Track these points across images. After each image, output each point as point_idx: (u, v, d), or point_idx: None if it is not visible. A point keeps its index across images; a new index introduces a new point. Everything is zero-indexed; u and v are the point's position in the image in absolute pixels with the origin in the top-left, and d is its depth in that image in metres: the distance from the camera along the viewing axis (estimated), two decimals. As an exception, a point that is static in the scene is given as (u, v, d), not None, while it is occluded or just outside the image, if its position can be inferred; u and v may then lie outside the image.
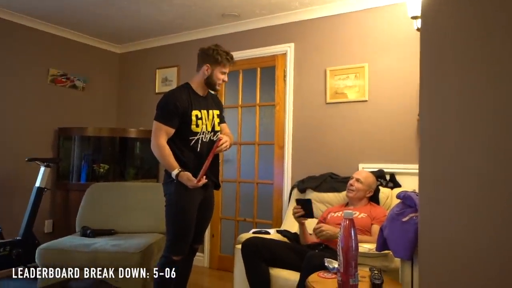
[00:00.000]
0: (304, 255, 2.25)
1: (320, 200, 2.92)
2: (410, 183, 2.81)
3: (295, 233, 2.71)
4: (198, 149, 2.29)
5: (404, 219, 1.60)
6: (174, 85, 4.12)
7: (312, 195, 2.95)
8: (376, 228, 2.43)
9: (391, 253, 1.84)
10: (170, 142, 2.26)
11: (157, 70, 4.27)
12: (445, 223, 1.38)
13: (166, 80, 4.22)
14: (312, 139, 3.27)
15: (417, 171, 2.85)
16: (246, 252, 2.27)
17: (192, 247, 2.42)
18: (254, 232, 2.63)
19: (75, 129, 3.93)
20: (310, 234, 2.63)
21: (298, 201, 2.51)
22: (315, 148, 3.25)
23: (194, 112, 2.27)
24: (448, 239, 1.38)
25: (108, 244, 2.72)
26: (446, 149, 1.40)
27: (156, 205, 3.27)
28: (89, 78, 4.28)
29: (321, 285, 1.68)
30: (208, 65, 2.29)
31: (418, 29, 2.22)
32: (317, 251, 2.28)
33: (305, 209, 2.45)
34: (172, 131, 2.24)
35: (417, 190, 2.70)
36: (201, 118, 2.30)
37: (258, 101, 3.63)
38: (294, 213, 2.51)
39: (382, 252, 1.85)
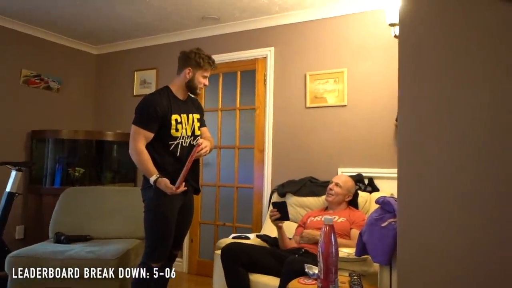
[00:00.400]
0: (284, 260, 2.25)
1: (300, 204, 2.93)
2: (388, 187, 2.85)
3: (275, 238, 2.70)
4: (178, 154, 2.25)
5: (383, 224, 1.61)
6: (153, 88, 4.06)
7: (292, 199, 2.96)
8: (355, 233, 2.45)
9: (370, 257, 1.86)
10: (149, 146, 2.22)
11: (135, 72, 4.20)
12: (423, 229, 1.40)
13: (144, 83, 4.15)
14: (292, 143, 3.28)
15: (395, 175, 2.89)
16: (225, 257, 2.25)
17: (171, 253, 2.37)
18: (233, 237, 2.61)
19: (49, 131, 3.81)
20: (290, 238, 2.64)
21: (274, 204, 2.51)
22: (295, 152, 3.26)
23: (174, 116, 2.24)
24: (426, 244, 1.40)
25: (83, 251, 2.64)
26: (424, 155, 1.42)
27: (134, 210, 3.20)
28: (64, 80, 4.17)
29: (301, 291, 1.67)
30: (189, 68, 2.26)
31: (396, 36, 2.26)
32: (297, 256, 2.28)
33: (281, 212, 2.46)
34: (151, 135, 2.19)
35: (395, 195, 2.75)
36: (180, 123, 2.26)
37: (238, 105, 3.62)
38: (270, 216, 2.51)
39: (361, 256, 1.86)
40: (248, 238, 2.62)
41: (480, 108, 1.34)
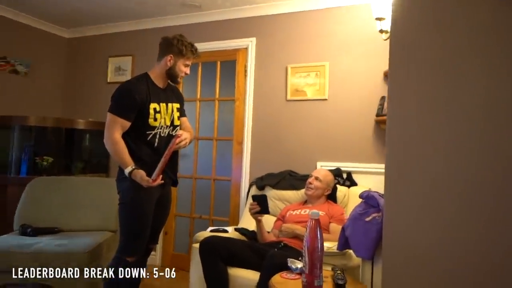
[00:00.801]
0: (263, 254, 2.22)
1: (279, 197, 2.90)
2: (366, 182, 2.88)
3: (253, 231, 2.67)
4: (156, 144, 2.17)
5: (367, 219, 1.61)
6: (128, 75, 3.92)
7: (271, 192, 2.93)
8: (334, 227, 2.46)
9: (350, 251, 1.86)
10: (126, 136, 2.12)
11: (109, 59, 4.03)
12: (409, 226, 1.39)
13: (119, 70, 3.99)
14: (272, 136, 3.24)
15: (374, 170, 2.92)
16: (203, 251, 2.19)
17: (147, 247, 2.29)
18: (211, 231, 2.55)
19: (15, 117, 3.60)
20: (268, 232, 2.61)
21: (254, 198, 2.48)
22: (274, 145, 3.22)
23: (152, 105, 2.14)
24: (412, 242, 1.39)
25: (52, 244, 2.51)
26: (412, 153, 1.41)
27: (105, 201, 3.09)
28: (33, 64, 3.94)
29: (285, 286, 1.64)
30: (171, 55, 2.17)
31: (381, 31, 2.26)
32: (276, 249, 2.26)
33: (261, 205, 2.43)
34: (127, 124, 2.10)
35: (373, 189, 2.77)
36: (159, 112, 2.17)
37: (217, 96, 3.54)
38: (250, 210, 2.47)
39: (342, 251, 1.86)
40: (226, 231, 2.57)
41: (471, 107, 1.34)
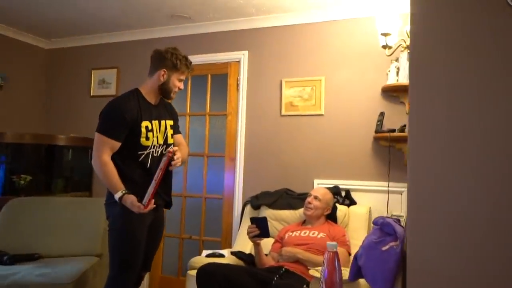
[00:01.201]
0: (264, 281, 2.09)
1: (276, 217, 2.77)
2: (366, 200, 2.79)
3: (250, 254, 2.53)
4: (148, 165, 2.02)
5: (384, 248, 1.50)
6: (113, 88, 3.74)
7: (267, 212, 2.80)
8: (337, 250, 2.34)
9: (361, 280, 1.75)
10: (116, 156, 1.97)
11: (93, 71, 3.84)
12: (434, 256, 1.30)
13: (103, 83, 3.81)
14: (266, 152, 3.12)
15: (373, 188, 2.81)
16: (201, 279, 2.04)
17: (138, 274, 2.12)
18: (207, 255, 2.40)
19: (-10, 133, 3.36)
20: (266, 254, 2.48)
21: (253, 220, 2.34)
22: (269, 162, 3.11)
23: (144, 123, 2.00)
24: (439, 274, 1.29)
25: (32, 274, 2.30)
26: (437, 176, 1.32)
27: (88, 224, 2.89)
28: (8, 76, 3.71)
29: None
30: (164, 70, 2.04)
31: (384, 46, 2.19)
32: (278, 276, 2.13)
33: (260, 228, 2.30)
34: (117, 145, 1.95)
35: (373, 208, 2.67)
36: (151, 130, 2.03)
37: (208, 110, 3.40)
38: (248, 233, 2.34)
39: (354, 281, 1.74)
40: (222, 256, 2.42)
41: (498, 131, 1.27)
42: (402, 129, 2.58)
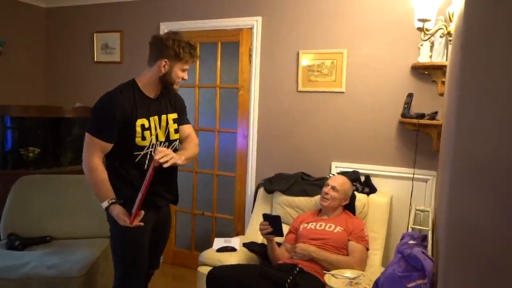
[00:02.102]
0: (277, 282, 2.01)
1: (290, 204, 2.64)
2: (386, 187, 2.62)
3: (263, 244, 2.45)
4: (146, 166, 1.83)
5: (410, 285, 1.35)
6: (117, 55, 3.49)
7: (281, 198, 2.66)
8: (354, 246, 2.23)
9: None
10: (112, 157, 1.81)
11: (95, 34, 3.57)
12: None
13: (106, 48, 3.55)
14: (281, 130, 2.92)
15: (395, 174, 2.58)
16: (212, 285, 1.97)
17: (147, 272, 2.07)
18: (218, 250, 2.32)
19: (-6, 107, 3.23)
20: (279, 243, 2.38)
21: (266, 217, 2.22)
22: (284, 141, 2.91)
23: (140, 122, 1.79)
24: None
25: (42, 265, 2.27)
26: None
27: (99, 203, 2.82)
28: (6, 41, 3.48)
29: None
30: (166, 60, 1.79)
31: (420, 29, 1.87)
32: (291, 278, 2.04)
33: (273, 226, 2.18)
34: (108, 146, 1.77)
35: (395, 197, 2.48)
36: (149, 128, 1.83)
37: (218, 82, 3.15)
38: (261, 230, 2.23)
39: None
40: (234, 249, 2.34)
41: None
42: (432, 116, 2.32)
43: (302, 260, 2.17)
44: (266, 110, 2.95)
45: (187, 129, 2.06)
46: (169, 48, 1.78)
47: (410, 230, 1.90)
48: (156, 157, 1.69)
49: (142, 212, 1.72)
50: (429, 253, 1.53)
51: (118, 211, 1.72)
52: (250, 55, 2.96)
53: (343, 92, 2.71)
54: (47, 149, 3.44)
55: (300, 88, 2.82)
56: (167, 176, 1.94)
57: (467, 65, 1.06)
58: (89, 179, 1.78)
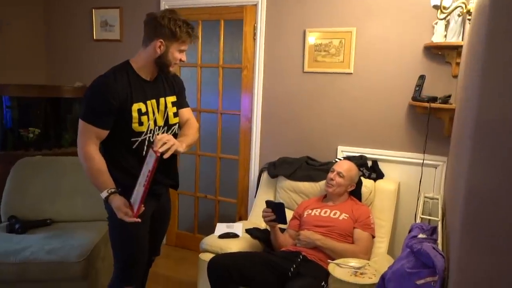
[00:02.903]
0: (281, 271, 1.96)
1: (294, 189, 2.57)
2: (394, 173, 2.54)
3: (266, 230, 2.39)
4: (144, 153, 1.73)
5: (419, 282, 1.28)
6: (116, 32, 3.37)
7: (285, 183, 2.59)
8: (359, 234, 2.17)
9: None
10: (107, 144, 1.72)
11: (93, 10, 3.43)
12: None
13: (106, 25, 3.42)
14: (286, 112, 2.82)
15: (403, 159, 2.47)
16: (213, 275, 1.92)
17: (149, 258, 2.02)
18: (220, 236, 2.27)
19: (-8, 86, 3.15)
20: (283, 230, 2.33)
21: (269, 204, 2.15)
22: (289, 124, 2.82)
23: (136, 106, 1.68)
24: None
25: (42, 250, 2.24)
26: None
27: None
28: (3, 18, 3.36)
29: None
30: (161, 40, 1.65)
31: (437, 7, 1.74)
32: (294, 266, 1.99)
33: (276, 214, 2.11)
34: (104, 133, 1.67)
35: (403, 183, 2.40)
36: (146, 113, 1.72)
37: (221, 62, 3.03)
38: (264, 217, 2.17)
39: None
40: (236, 235, 2.28)
41: None
42: (445, 100, 2.20)
43: (306, 247, 2.12)
44: (271, 92, 2.84)
45: (187, 113, 1.96)
46: (164, 26, 1.64)
47: (419, 220, 1.82)
48: (156, 147, 1.59)
49: (143, 208, 1.62)
50: (439, 246, 1.46)
51: (119, 203, 1.61)
52: (254, 34, 2.83)
53: (351, 73, 2.59)
54: (47, 129, 3.38)
55: (306, 69, 2.70)
56: (167, 161, 1.85)
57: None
58: (85, 168, 1.67)
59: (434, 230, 1.60)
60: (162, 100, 1.79)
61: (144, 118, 1.71)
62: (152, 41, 1.67)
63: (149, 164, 1.59)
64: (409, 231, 1.66)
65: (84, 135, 1.65)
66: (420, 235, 1.48)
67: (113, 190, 1.64)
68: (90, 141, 1.64)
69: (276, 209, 2.09)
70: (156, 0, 3.10)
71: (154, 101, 1.76)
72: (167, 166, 1.86)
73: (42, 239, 2.37)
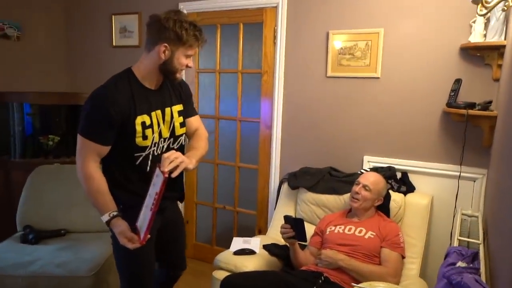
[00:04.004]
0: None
1: (316, 202, 2.40)
2: (427, 186, 2.32)
3: (285, 246, 2.23)
4: (148, 168, 1.59)
5: (459, 321, 1.09)
6: (135, 38, 3.32)
7: (306, 195, 2.42)
8: (387, 254, 1.97)
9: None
10: (108, 160, 1.57)
11: (113, 17, 3.40)
12: None
13: (125, 31, 3.37)
14: (307, 120, 2.65)
15: (437, 172, 2.23)
16: (225, 296, 1.78)
17: (174, 274, 1.97)
18: (235, 252, 2.12)
19: (10, 94, 3.15)
20: (303, 247, 2.16)
21: (287, 219, 1.98)
22: (311, 132, 2.65)
23: (140, 119, 1.53)
24: None
25: (52, 263, 2.16)
26: None
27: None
28: (24, 25, 3.38)
29: None
30: (165, 44, 1.49)
31: (475, 1, 1.54)
32: (315, 287, 1.81)
33: (296, 230, 1.94)
34: (105, 150, 1.53)
35: (437, 197, 2.18)
36: (150, 126, 1.57)
37: (240, 67, 2.91)
38: (282, 233, 2.00)
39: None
40: (253, 252, 2.13)
41: None
42: (485, 106, 1.98)
43: (328, 268, 1.94)
44: (292, 98, 2.68)
45: (195, 122, 1.80)
46: (169, 29, 1.47)
47: (456, 243, 1.61)
48: (164, 167, 1.42)
49: (148, 236, 1.46)
50: (483, 278, 1.25)
51: (122, 228, 1.46)
52: (275, 37, 2.68)
53: (378, 78, 2.40)
54: (66, 137, 3.35)
55: (329, 73, 2.53)
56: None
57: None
58: (85, 188, 1.52)
59: (475, 256, 1.39)
60: (168, 110, 1.64)
61: (148, 131, 1.56)
62: (155, 45, 1.51)
63: (156, 185, 1.44)
64: (445, 256, 1.46)
65: (83, 152, 1.50)
66: (459, 263, 1.28)
67: (115, 213, 1.49)
68: (89, 158, 1.50)
69: (295, 225, 1.93)
70: (174, 4, 3.02)
71: (159, 111, 1.61)
72: (173, 180, 1.71)
73: (54, 251, 2.31)
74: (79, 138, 1.51)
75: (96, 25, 3.49)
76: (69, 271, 2.11)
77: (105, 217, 1.49)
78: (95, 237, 2.53)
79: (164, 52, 1.50)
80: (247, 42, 2.87)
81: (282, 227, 1.98)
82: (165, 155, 1.46)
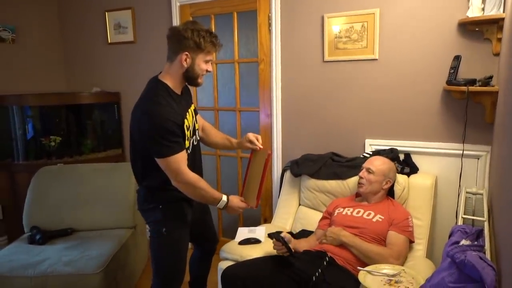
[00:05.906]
0: (302, 279, 1.78)
1: (320, 188, 2.39)
2: (430, 166, 2.30)
3: (290, 233, 2.23)
4: (188, 163, 1.72)
5: (464, 299, 1.08)
6: (130, 34, 3.29)
7: (309, 182, 2.41)
8: (393, 237, 1.95)
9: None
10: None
11: (106, 13, 3.37)
12: None
13: (119, 27, 3.35)
14: (307, 105, 2.63)
15: (439, 151, 2.22)
16: (228, 286, 1.78)
17: (210, 248, 2.17)
18: (241, 242, 2.12)
19: (9, 97, 3.14)
20: (308, 233, 2.15)
21: (272, 236, 1.93)
22: (310, 117, 2.63)
23: (186, 123, 1.71)
24: None
25: (60, 262, 2.18)
26: None
27: (120, 193, 2.72)
28: (18, 27, 3.36)
29: None
30: (187, 53, 1.63)
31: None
32: (320, 270, 1.79)
33: (285, 245, 1.91)
34: (185, 154, 1.68)
35: (441, 177, 2.15)
36: (188, 127, 1.74)
37: (236, 57, 2.88)
38: (276, 250, 1.95)
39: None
40: (258, 241, 2.13)
41: None
42: (486, 82, 1.94)
43: (332, 244, 1.93)
44: (290, 85, 2.66)
45: (200, 117, 2.00)
46: (188, 39, 1.61)
47: (460, 221, 1.59)
48: (260, 145, 1.93)
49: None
50: (488, 255, 1.24)
51: (236, 201, 1.82)
52: (269, 24, 2.65)
53: (376, 59, 2.36)
54: (68, 137, 3.36)
55: (326, 58, 2.50)
56: (194, 158, 1.83)
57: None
58: (199, 195, 1.72)
59: (479, 233, 1.38)
60: (190, 110, 1.80)
61: (188, 132, 1.73)
62: (177, 54, 1.65)
63: (257, 163, 1.89)
64: (450, 235, 1.45)
65: (176, 167, 1.62)
66: (463, 242, 1.27)
67: (226, 195, 1.79)
68: (183, 168, 1.64)
69: (283, 242, 1.89)
70: (167, -3, 2.99)
71: (188, 113, 1.77)
72: (198, 164, 1.90)
73: (61, 250, 2.33)
74: (164, 160, 1.61)
75: (90, 23, 3.47)
76: (77, 269, 2.13)
77: (223, 203, 1.77)
78: (102, 235, 2.55)
79: (185, 60, 1.64)
80: (242, 31, 2.84)
81: (274, 244, 1.94)
82: (251, 137, 1.93)
